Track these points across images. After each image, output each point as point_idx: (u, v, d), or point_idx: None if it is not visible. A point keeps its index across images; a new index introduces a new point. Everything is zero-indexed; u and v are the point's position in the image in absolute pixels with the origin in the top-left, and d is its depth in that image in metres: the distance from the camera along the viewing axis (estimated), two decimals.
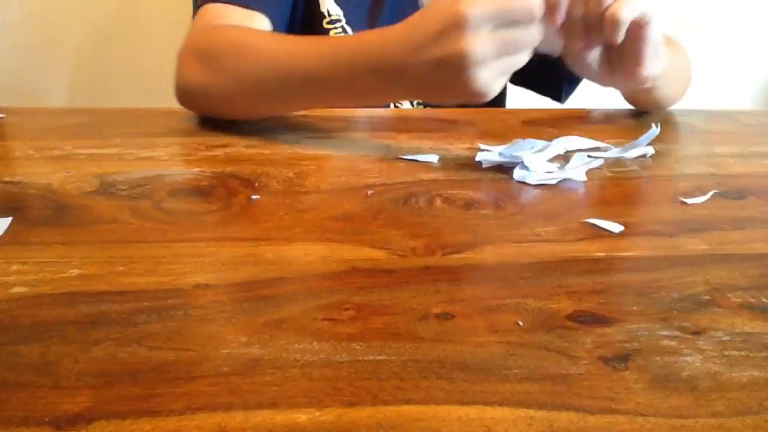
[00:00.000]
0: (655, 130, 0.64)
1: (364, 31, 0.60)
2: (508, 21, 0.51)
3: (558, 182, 0.57)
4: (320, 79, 0.61)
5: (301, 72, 0.61)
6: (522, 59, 0.53)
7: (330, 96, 0.64)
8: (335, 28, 0.83)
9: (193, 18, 0.76)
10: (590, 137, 0.67)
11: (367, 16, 0.85)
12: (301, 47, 0.63)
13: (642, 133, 0.64)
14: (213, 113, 0.70)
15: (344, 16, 0.84)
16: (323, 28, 0.83)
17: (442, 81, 0.53)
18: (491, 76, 0.52)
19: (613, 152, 0.64)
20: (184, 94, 0.71)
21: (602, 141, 0.67)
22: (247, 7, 0.74)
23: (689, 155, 0.66)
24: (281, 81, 0.63)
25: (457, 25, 0.50)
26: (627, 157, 0.63)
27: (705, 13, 1.59)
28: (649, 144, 0.64)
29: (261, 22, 0.75)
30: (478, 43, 0.50)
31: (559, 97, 0.90)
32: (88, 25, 1.51)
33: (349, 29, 0.83)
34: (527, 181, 0.57)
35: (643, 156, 0.64)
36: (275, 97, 0.65)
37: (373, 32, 0.59)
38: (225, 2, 0.74)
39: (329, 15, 0.83)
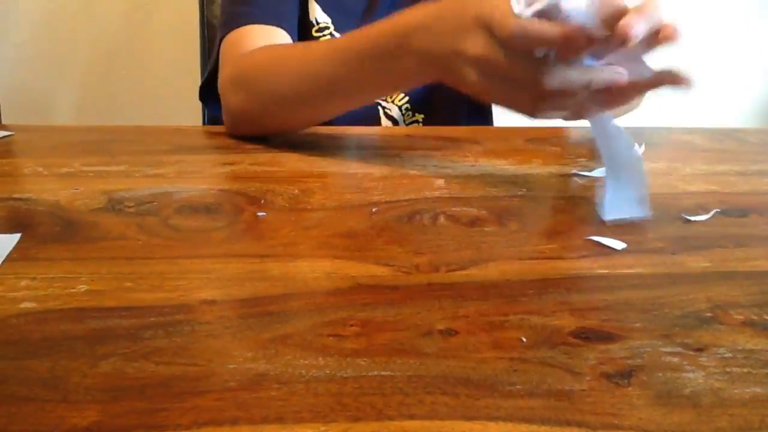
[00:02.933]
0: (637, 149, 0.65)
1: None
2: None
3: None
4: (351, 73, 0.64)
5: (331, 71, 0.64)
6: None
7: (362, 88, 0.65)
8: (323, 35, 0.84)
9: (218, 51, 0.78)
10: (591, 154, 0.68)
11: (357, 24, 0.86)
12: (329, 46, 0.67)
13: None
14: (263, 133, 0.72)
15: (332, 23, 0.85)
16: (312, 36, 0.84)
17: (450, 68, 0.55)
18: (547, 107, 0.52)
19: (597, 171, 0.64)
20: (234, 124, 0.73)
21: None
22: (264, 23, 0.76)
23: (692, 173, 0.67)
24: (315, 84, 0.66)
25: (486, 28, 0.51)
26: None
27: (705, 35, 1.61)
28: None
29: (278, 35, 0.77)
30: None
31: None
32: (95, 43, 1.53)
33: (338, 36, 0.84)
34: None
35: None
36: (312, 102, 0.68)
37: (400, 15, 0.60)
38: (241, 25, 0.76)
39: (317, 23, 0.84)
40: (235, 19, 0.78)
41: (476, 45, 0.52)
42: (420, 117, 0.89)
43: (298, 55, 0.69)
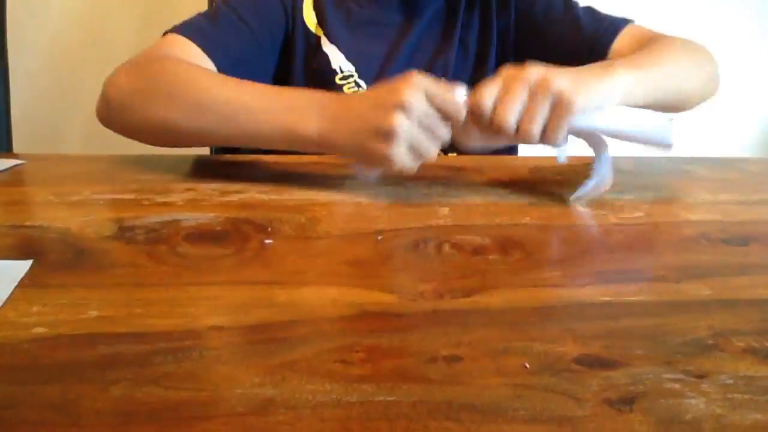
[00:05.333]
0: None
1: None
2: (435, 115, 0.60)
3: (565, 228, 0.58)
4: (251, 107, 0.66)
5: (235, 101, 0.67)
6: (433, 151, 0.61)
7: (251, 123, 0.66)
8: (348, 83, 0.86)
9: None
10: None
11: (379, 69, 0.87)
12: (242, 84, 0.69)
13: (637, 182, 0.66)
14: (126, 128, 0.73)
15: (356, 71, 0.86)
16: (336, 84, 0.86)
17: (366, 144, 0.60)
18: (406, 154, 0.60)
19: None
20: (109, 113, 0.73)
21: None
22: (200, 47, 0.77)
23: (693, 202, 0.67)
24: (209, 118, 0.67)
25: (394, 105, 0.58)
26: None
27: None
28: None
29: (208, 64, 0.77)
30: (406, 124, 0.58)
31: None
32: (105, 74, 1.55)
33: (362, 83, 0.86)
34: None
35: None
36: (202, 132, 0.68)
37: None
38: (184, 36, 0.78)
39: (341, 71, 0.86)
40: (189, 28, 0.79)
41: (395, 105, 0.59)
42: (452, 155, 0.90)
43: (214, 80, 0.71)
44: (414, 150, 0.60)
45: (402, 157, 0.59)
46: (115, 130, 0.74)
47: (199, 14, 0.84)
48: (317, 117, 0.63)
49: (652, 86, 0.68)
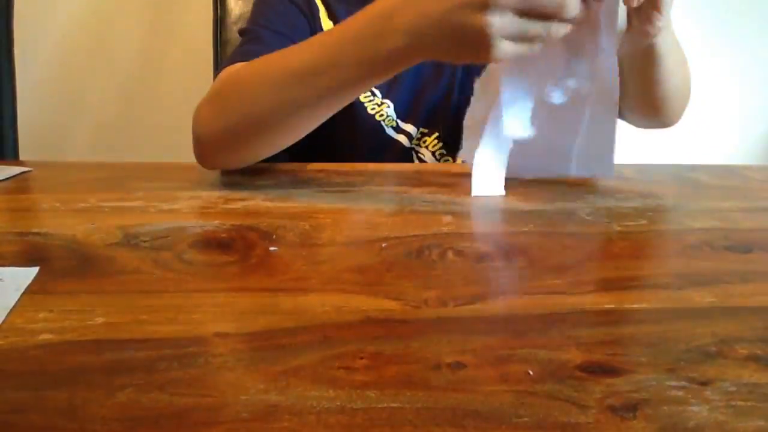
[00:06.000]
0: None
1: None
2: (534, 11, 0.53)
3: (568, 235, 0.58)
4: (334, 60, 0.61)
5: (313, 61, 0.63)
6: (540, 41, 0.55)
7: (347, 76, 0.62)
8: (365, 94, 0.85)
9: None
10: (596, 190, 0.69)
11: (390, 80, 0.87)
12: (310, 39, 0.65)
13: (640, 189, 0.66)
14: (233, 160, 0.71)
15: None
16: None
17: (459, 47, 0.56)
18: (509, 48, 0.54)
19: None
20: (202, 148, 0.72)
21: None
22: None
23: (696, 209, 0.68)
24: (295, 79, 0.64)
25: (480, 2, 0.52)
26: None
27: (709, 69, 1.62)
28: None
29: None
30: (497, 21, 0.52)
31: None
32: (110, 81, 1.56)
33: (377, 92, 0.86)
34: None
35: None
36: (293, 103, 0.65)
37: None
38: (238, 62, 0.77)
39: None
40: (240, 56, 0.79)
41: None
42: (459, 161, 0.90)
43: (278, 55, 0.68)
44: (520, 33, 0.54)
45: (506, 47, 0.54)
46: (219, 166, 0.73)
47: (238, 46, 0.84)
48: (397, 32, 0.57)
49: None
